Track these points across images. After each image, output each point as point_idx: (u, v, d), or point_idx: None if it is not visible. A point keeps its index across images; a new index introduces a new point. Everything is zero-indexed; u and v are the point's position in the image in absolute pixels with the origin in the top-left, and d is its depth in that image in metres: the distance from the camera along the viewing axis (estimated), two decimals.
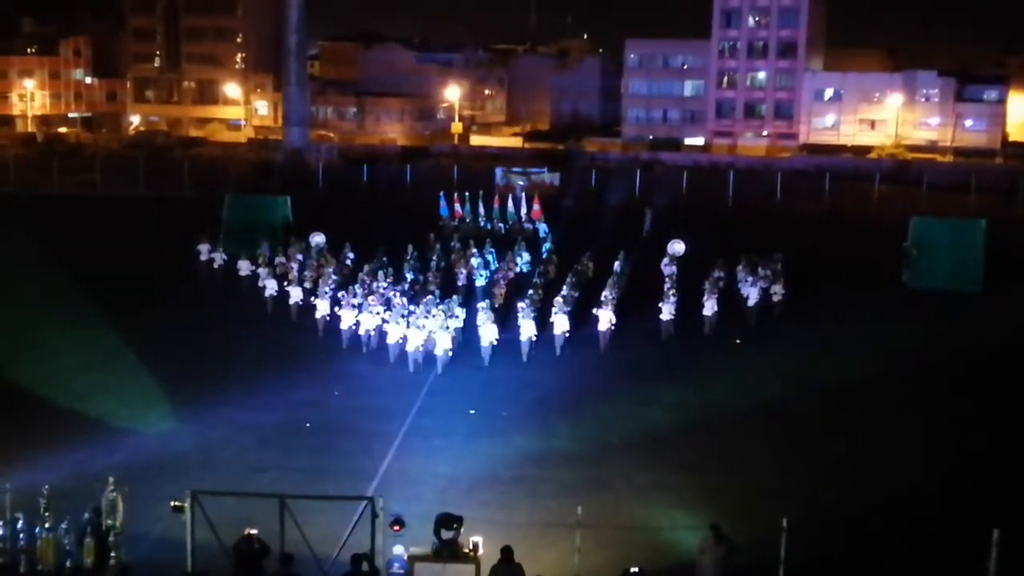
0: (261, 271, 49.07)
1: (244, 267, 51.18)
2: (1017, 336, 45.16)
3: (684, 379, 39.40)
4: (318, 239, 54.73)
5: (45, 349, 41.28)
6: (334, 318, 42.85)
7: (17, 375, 37.66)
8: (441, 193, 66.03)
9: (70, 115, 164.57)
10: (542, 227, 62.09)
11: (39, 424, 32.75)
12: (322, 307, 43.24)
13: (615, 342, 42.00)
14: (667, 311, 44.54)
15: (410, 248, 52.05)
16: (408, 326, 40.36)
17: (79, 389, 36.57)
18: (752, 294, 46.67)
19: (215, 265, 53.75)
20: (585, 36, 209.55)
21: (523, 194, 68.00)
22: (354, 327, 41.57)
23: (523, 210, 64.72)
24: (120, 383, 37.38)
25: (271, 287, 47.39)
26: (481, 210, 65.11)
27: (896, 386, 38.77)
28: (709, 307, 45.30)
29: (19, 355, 40.22)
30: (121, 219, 69.34)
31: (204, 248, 54.35)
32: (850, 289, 51.53)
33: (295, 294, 45.56)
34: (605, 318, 42.08)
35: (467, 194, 65.66)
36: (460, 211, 64.87)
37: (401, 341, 40.29)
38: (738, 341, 43.08)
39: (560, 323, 41.64)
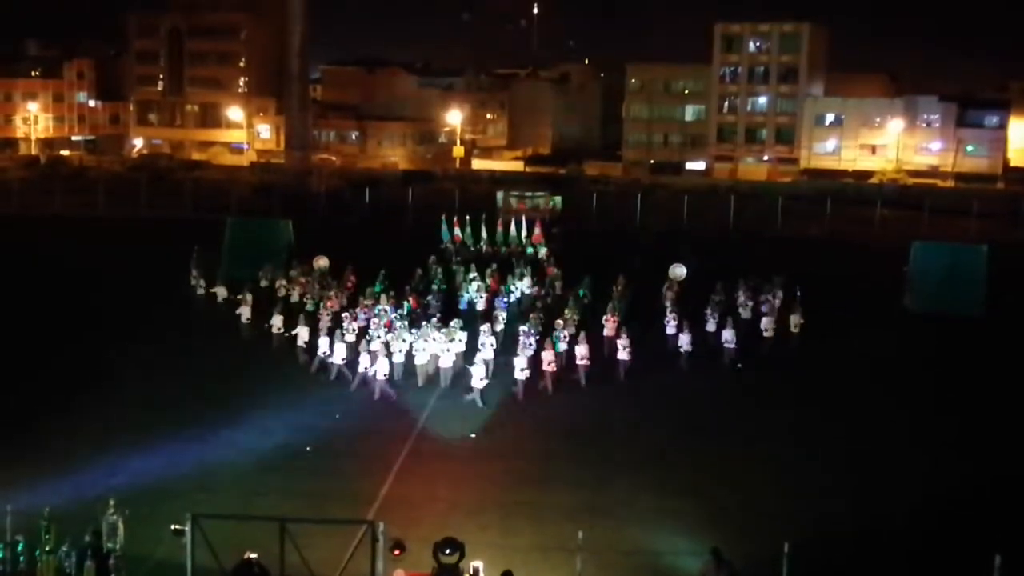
0: (242, 297, 47.80)
1: (221, 293, 50.87)
2: (1018, 359, 45.25)
3: (685, 401, 39.44)
4: (322, 263, 54.61)
5: (44, 371, 41.27)
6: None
7: (16, 397, 37.72)
8: (442, 217, 66.02)
9: (73, 138, 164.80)
10: (542, 250, 62.06)
11: (40, 446, 32.72)
12: (323, 344, 42.35)
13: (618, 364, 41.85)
14: (670, 330, 45.03)
15: (418, 272, 52.08)
16: (411, 348, 40.58)
17: (78, 411, 36.58)
18: (767, 324, 45.88)
19: (198, 292, 53.12)
20: (586, 60, 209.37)
21: (524, 218, 67.86)
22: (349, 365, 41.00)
23: (524, 234, 64.63)
24: (119, 406, 37.32)
25: (245, 314, 46.78)
26: (483, 234, 65.05)
27: (897, 408, 38.88)
28: (710, 327, 45.37)
29: (18, 377, 40.24)
30: (122, 241, 69.29)
31: (196, 274, 53.73)
32: (851, 312, 51.52)
33: (303, 334, 43.40)
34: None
35: (467, 217, 65.64)
36: (460, 235, 64.80)
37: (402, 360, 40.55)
38: (739, 366, 42.98)
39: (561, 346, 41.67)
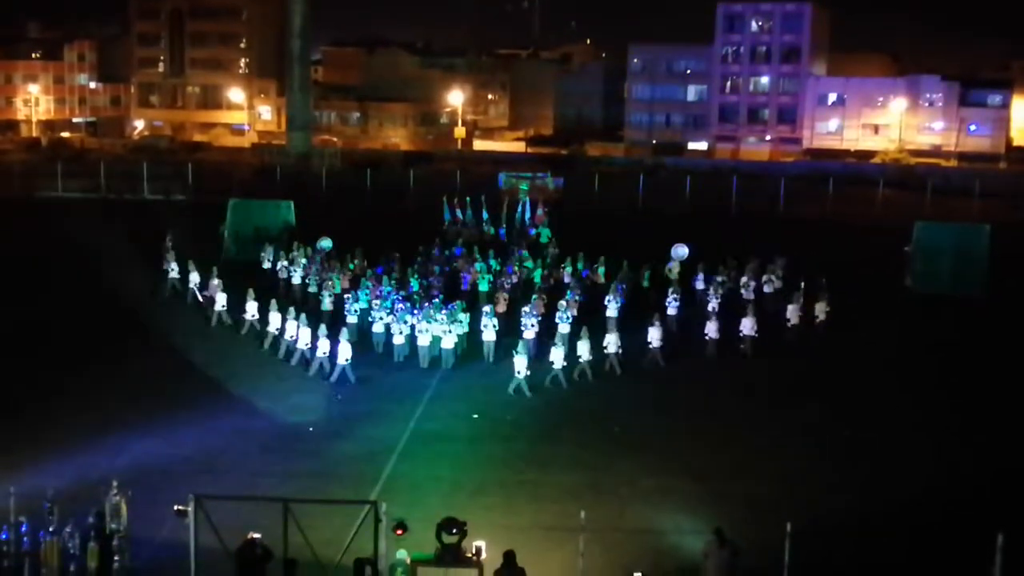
0: (213, 282, 46.77)
1: (194, 279, 49.19)
2: (1020, 341, 45.23)
3: (690, 384, 39.43)
4: (324, 243, 54.46)
5: (43, 356, 41.32)
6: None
7: (19, 379, 37.75)
8: (444, 198, 65.82)
9: (74, 120, 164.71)
10: (545, 232, 61.79)
11: (42, 429, 32.72)
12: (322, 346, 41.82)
13: (621, 346, 41.65)
14: (672, 311, 45.05)
15: (420, 252, 52.06)
16: (413, 330, 40.63)
17: (78, 394, 36.61)
18: (792, 312, 44.94)
19: (171, 276, 51.21)
20: (588, 41, 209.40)
21: (527, 199, 67.55)
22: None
23: (527, 215, 64.32)
24: (114, 390, 37.29)
25: (220, 301, 45.77)
26: (484, 215, 64.80)
27: (898, 392, 38.92)
28: (712, 308, 45.17)
29: (20, 360, 40.28)
30: (123, 223, 69.13)
31: (170, 258, 51.81)
32: (853, 293, 51.38)
33: (273, 320, 42.25)
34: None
35: (468, 199, 65.45)
36: (462, 216, 64.54)
37: (405, 342, 40.73)
38: (742, 347, 42.85)
39: (564, 328, 41.65)
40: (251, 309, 44.13)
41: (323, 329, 39.44)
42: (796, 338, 44.49)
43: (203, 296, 47.50)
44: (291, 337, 40.66)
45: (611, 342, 40.03)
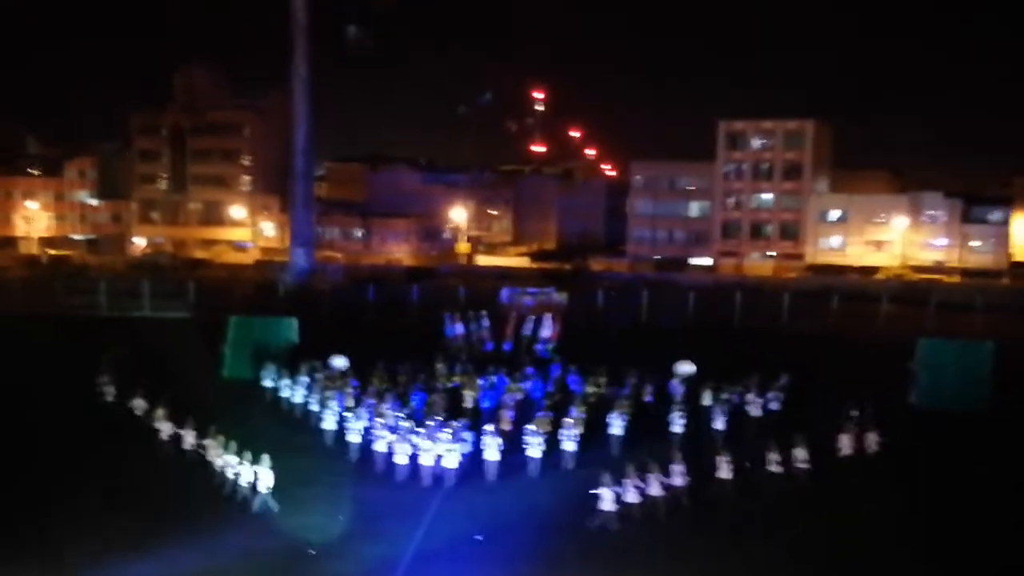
0: (159, 411, 43.76)
1: (139, 405, 46.21)
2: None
3: (695, 497, 38.61)
4: (339, 362, 53.75)
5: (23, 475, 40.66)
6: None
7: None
8: (447, 314, 65.59)
9: (74, 237, 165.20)
10: (549, 348, 61.38)
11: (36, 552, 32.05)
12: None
13: (623, 462, 40.89)
14: (676, 429, 44.36)
15: (422, 368, 51.72)
16: (415, 448, 40.10)
17: (62, 516, 36.00)
18: (844, 442, 41.96)
19: (107, 399, 49.26)
20: (590, 156, 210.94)
21: (531, 315, 67.24)
22: None
23: (540, 331, 63.91)
24: (99, 513, 36.58)
25: (166, 429, 42.85)
26: (488, 331, 64.53)
27: (907, 512, 38.22)
28: (719, 425, 44.90)
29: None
30: (124, 341, 68.69)
31: (105, 380, 49.88)
32: (858, 410, 50.76)
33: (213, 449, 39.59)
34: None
35: (470, 313, 65.24)
36: (465, 332, 64.25)
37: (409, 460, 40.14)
38: (747, 464, 42.05)
39: (569, 447, 41.26)
40: (189, 438, 41.79)
41: (247, 455, 37.61)
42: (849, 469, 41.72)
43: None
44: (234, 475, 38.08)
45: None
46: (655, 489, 36.85)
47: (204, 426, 41.34)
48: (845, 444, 42.30)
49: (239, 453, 37.98)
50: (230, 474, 38.02)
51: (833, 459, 41.85)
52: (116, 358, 51.78)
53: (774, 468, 39.21)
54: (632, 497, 36.27)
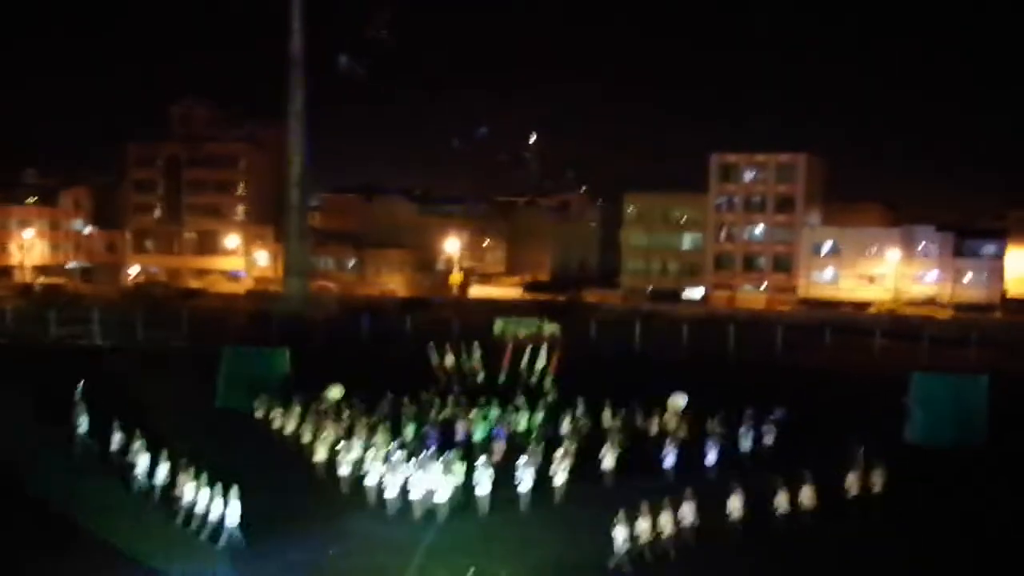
0: (136, 444, 42.87)
1: (116, 440, 45.11)
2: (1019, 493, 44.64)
3: (700, 548, 38.31)
4: (334, 393, 53.60)
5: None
6: None
7: None
8: (431, 343, 65.31)
9: (68, 265, 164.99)
10: (548, 380, 60.99)
11: None
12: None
13: (616, 495, 40.71)
14: (669, 463, 44.17)
15: (414, 401, 51.60)
16: (406, 481, 39.99)
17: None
18: (851, 481, 40.70)
19: (79, 432, 47.73)
20: (583, 189, 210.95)
21: (525, 347, 66.91)
22: None
23: (537, 363, 63.55)
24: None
25: (142, 463, 41.80)
26: (481, 363, 64.37)
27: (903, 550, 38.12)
28: (711, 459, 44.83)
29: None
30: (117, 371, 68.57)
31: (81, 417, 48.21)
32: (851, 445, 50.72)
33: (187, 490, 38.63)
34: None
35: (462, 344, 65.17)
36: (458, 363, 64.10)
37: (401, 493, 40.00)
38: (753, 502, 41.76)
39: (560, 479, 41.25)
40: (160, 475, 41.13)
41: (219, 488, 37.15)
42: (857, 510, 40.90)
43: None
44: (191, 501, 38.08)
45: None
46: (668, 527, 36.37)
47: (178, 459, 40.80)
48: (852, 484, 41.01)
49: (210, 485, 37.54)
50: (199, 509, 37.60)
51: (841, 499, 40.88)
52: (88, 390, 50.48)
53: (782, 508, 38.82)
54: (645, 536, 35.81)
